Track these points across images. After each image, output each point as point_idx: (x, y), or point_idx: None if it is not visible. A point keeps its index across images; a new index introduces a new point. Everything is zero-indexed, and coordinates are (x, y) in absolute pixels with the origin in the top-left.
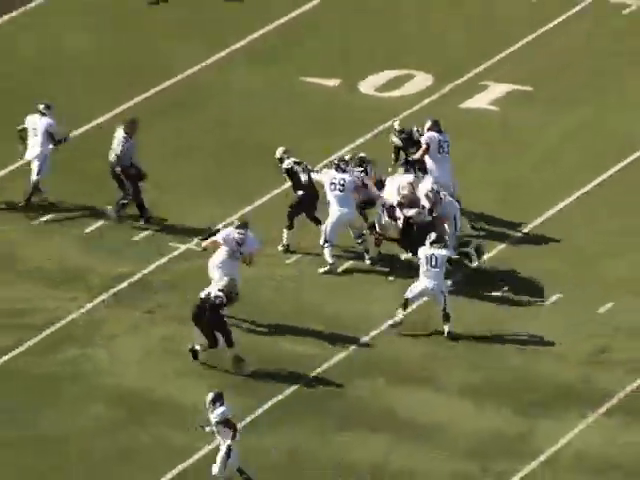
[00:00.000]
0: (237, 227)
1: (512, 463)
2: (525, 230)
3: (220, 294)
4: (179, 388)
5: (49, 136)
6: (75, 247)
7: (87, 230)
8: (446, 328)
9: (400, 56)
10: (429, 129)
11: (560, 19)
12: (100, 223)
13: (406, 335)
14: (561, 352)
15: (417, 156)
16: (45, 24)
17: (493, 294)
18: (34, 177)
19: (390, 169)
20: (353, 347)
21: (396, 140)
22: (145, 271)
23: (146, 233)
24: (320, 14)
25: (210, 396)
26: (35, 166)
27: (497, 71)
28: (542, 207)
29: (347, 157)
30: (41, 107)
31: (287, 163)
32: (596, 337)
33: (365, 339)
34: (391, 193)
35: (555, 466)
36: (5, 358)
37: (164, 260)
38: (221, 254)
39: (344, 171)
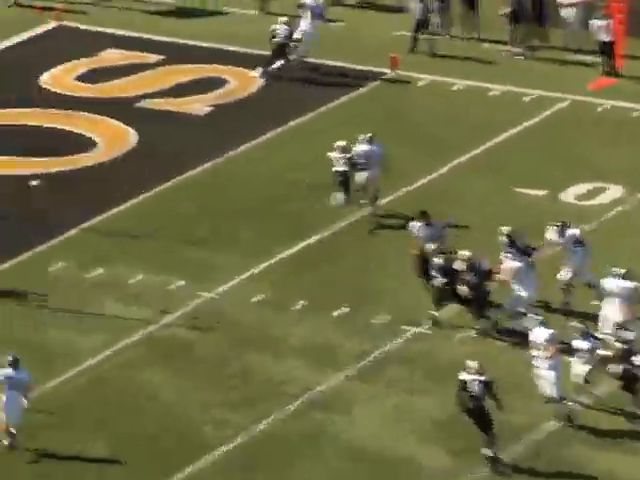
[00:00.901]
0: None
1: None
2: None
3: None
4: (411, 448)
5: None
6: (326, 328)
7: (335, 314)
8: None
9: (593, 172)
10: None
11: None
12: (345, 310)
13: (597, 409)
14: None
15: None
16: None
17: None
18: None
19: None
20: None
21: (505, 240)
22: (383, 349)
23: (384, 319)
24: (527, 137)
25: None
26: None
27: None
28: None
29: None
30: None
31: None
32: None
33: (566, 409)
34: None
35: None
36: (265, 422)
37: (399, 340)
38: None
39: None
